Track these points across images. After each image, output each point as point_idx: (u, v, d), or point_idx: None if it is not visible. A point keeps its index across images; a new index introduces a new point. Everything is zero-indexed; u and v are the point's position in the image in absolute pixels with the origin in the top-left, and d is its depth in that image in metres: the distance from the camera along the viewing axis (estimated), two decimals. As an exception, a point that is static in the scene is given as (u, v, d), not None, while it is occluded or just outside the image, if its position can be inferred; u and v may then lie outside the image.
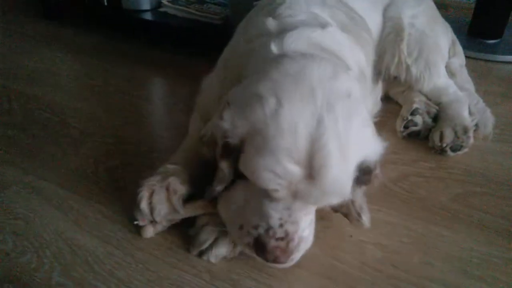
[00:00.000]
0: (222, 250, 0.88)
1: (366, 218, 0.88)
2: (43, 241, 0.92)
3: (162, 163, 1.00)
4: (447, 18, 1.52)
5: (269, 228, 0.77)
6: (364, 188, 0.86)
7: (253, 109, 0.73)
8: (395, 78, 1.35)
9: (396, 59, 1.31)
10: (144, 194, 0.90)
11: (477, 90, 1.44)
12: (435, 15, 1.43)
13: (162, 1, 1.91)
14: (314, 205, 0.79)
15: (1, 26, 2.20)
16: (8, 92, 1.55)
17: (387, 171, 1.12)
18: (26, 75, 1.69)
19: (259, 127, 0.72)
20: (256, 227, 0.78)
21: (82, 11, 2.09)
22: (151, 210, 0.89)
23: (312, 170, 0.70)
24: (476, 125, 1.29)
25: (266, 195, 0.76)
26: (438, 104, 1.33)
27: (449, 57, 1.46)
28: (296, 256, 0.80)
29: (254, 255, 0.80)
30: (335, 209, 0.90)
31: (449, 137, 1.20)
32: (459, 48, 1.51)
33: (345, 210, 0.90)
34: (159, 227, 0.93)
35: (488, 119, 1.30)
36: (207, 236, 0.89)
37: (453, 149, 1.19)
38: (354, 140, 0.72)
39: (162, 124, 1.42)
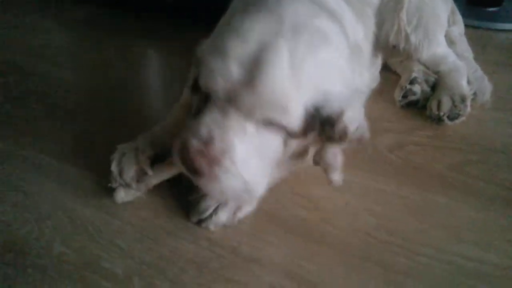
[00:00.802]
0: (222, 218, 0.89)
1: (335, 176, 0.86)
2: (43, 212, 0.94)
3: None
4: (445, -15, 1.50)
5: (198, 128, 0.75)
6: (335, 146, 0.83)
7: (222, 23, 0.77)
8: (394, 47, 1.34)
9: (395, 27, 1.28)
10: (115, 156, 0.95)
11: (475, 59, 1.43)
12: (435, -18, 1.41)
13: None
14: (249, 116, 0.74)
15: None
16: (2, 66, 1.54)
17: (383, 139, 1.14)
18: (20, 48, 1.67)
19: (220, 31, 0.75)
20: (188, 130, 0.77)
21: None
22: (120, 171, 0.92)
23: (253, 73, 0.70)
24: (474, 93, 1.28)
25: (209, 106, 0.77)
26: (437, 72, 1.32)
27: (449, 26, 1.44)
28: (223, 177, 0.75)
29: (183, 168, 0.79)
30: (316, 161, 0.88)
31: (446, 105, 1.19)
32: (458, 17, 1.49)
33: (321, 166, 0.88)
34: (132, 192, 0.93)
35: (486, 87, 1.30)
36: (208, 204, 0.89)
37: (450, 118, 1.19)
38: (313, 67, 0.72)
39: (158, 96, 1.41)
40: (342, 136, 0.80)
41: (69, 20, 1.91)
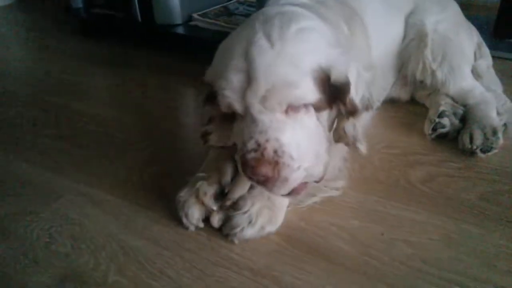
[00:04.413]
0: (246, 235, 0.97)
1: (362, 146, 0.95)
2: (98, 243, 1.01)
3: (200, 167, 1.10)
4: (471, 18, 1.55)
5: (244, 143, 0.83)
6: (351, 119, 0.92)
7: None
8: (421, 82, 1.40)
9: (420, 65, 1.35)
10: (178, 207, 1.02)
11: (504, 90, 1.46)
12: (459, 20, 1.47)
13: (193, 15, 2.00)
14: (272, 108, 0.82)
15: (43, 45, 2.34)
16: (54, 106, 1.67)
17: (415, 171, 1.18)
18: (69, 89, 1.81)
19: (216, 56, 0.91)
20: (240, 149, 0.85)
21: (117, 27, 2.21)
22: (186, 216, 1.00)
23: (250, 71, 0.80)
24: (505, 124, 1.31)
25: (239, 119, 0.87)
26: (465, 105, 1.36)
27: (476, 59, 1.49)
28: (290, 175, 0.82)
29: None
30: (339, 137, 0.96)
31: (479, 139, 1.21)
32: (485, 50, 1.54)
33: (345, 141, 0.96)
34: (216, 216, 1.01)
35: (517, 118, 1.31)
36: (239, 222, 0.97)
37: (483, 151, 1.21)
38: (293, 37, 0.81)
39: (197, 131, 1.49)
40: (353, 109, 0.90)
41: (113, 62, 2.05)
